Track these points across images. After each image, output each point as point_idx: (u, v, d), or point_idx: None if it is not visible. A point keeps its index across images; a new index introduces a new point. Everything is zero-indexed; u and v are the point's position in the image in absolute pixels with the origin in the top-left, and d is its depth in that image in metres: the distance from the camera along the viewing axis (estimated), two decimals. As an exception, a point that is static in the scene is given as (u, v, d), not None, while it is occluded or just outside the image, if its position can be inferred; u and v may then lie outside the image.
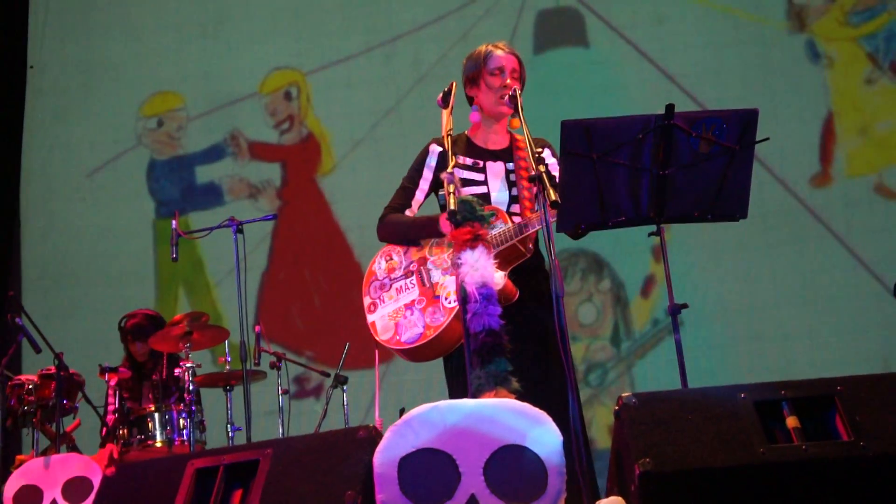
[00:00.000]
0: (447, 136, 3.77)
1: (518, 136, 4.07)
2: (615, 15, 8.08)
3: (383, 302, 3.96)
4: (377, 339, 3.93)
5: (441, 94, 3.86)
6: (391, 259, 4.04)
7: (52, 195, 8.26)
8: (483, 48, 4.07)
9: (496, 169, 4.03)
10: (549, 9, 8.20)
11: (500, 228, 3.84)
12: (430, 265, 3.95)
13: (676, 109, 3.47)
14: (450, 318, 3.77)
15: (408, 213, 4.08)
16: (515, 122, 3.83)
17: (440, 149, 4.02)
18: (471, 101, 4.11)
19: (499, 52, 4.01)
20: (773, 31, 7.91)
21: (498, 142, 4.10)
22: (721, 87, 7.77)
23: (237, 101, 8.30)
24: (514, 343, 3.46)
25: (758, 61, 7.85)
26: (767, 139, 3.59)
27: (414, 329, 3.84)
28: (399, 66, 8.21)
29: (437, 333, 3.79)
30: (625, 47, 8.01)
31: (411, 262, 3.99)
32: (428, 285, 3.90)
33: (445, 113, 3.83)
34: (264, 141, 8.29)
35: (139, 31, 8.45)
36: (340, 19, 8.33)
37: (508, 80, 3.96)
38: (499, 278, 3.67)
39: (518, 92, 3.81)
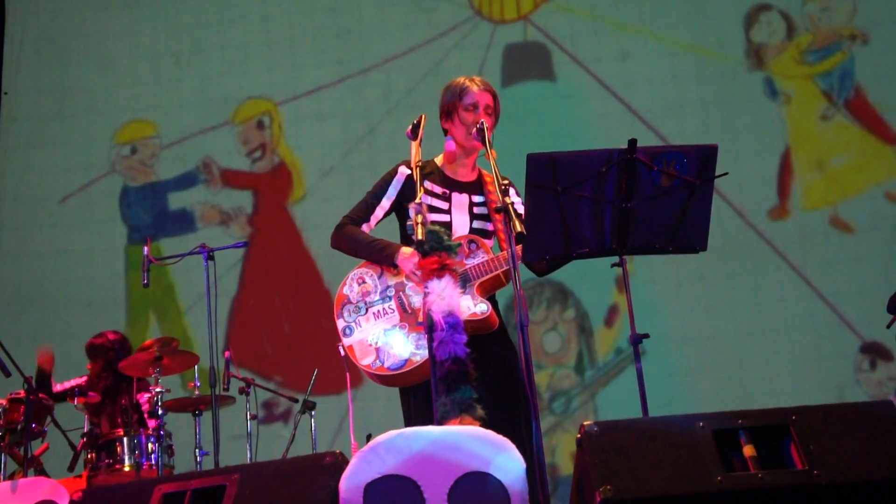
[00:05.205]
0: (416, 167, 3.79)
1: (485, 172, 4.10)
2: (581, 50, 8.18)
3: (359, 326, 3.92)
4: (358, 363, 3.88)
5: (410, 127, 3.88)
6: (364, 282, 3.99)
7: (25, 220, 8.26)
8: (460, 82, 4.08)
9: (461, 200, 4.06)
10: (517, 43, 8.30)
11: (481, 258, 3.90)
12: (409, 290, 3.94)
13: (639, 143, 3.52)
14: None
15: (365, 227, 4.07)
16: (494, 152, 3.74)
17: (408, 172, 4.03)
18: (445, 132, 4.12)
19: (474, 88, 4.03)
20: (732, 69, 8.04)
21: (466, 175, 4.13)
22: (682, 122, 7.88)
23: (210, 130, 8.34)
24: (479, 370, 3.47)
25: (718, 97, 7.96)
26: (726, 174, 3.64)
27: (398, 356, 3.83)
28: (370, 97, 8.27)
29: (424, 360, 3.73)
30: (590, 82, 8.11)
31: (388, 287, 3.97)
32: (409, 311, 3.90)
33: (414, 144, 3.85)
34: (236, 169, 8.34)
35: (114, 60, 8.49)
36: (313, 50, 8.39)
37: (482, 118, 3.95)
38: (484, 307, 3.80)
39: (486, 126, 3.81)
